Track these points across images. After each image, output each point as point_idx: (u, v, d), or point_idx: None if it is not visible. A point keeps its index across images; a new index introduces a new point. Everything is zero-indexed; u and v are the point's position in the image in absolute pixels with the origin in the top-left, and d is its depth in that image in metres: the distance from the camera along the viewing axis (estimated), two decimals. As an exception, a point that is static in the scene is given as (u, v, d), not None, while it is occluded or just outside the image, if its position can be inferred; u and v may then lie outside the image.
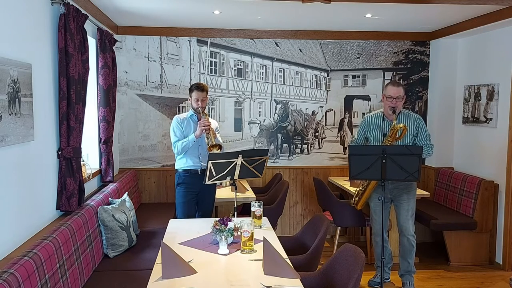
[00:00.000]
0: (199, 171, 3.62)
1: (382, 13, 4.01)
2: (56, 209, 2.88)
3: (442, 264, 4.30)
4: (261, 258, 2.35)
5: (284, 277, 2.16)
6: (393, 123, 3.34)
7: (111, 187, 3.80)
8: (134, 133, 4.82)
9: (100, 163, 4.00)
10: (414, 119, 3.50)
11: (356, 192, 3.69)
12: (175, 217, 3.76)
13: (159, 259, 2.34)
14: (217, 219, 2.75)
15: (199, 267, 2.29)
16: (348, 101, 5.10)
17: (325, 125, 5.10)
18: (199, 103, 3.55)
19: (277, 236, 2.81)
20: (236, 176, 3.09)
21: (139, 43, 4.75)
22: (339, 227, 4.34)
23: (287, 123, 5.05)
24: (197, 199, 3.70)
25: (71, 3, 2.92)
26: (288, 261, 2.34)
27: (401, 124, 3.34)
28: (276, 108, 5.02)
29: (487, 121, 4.33)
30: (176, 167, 3.73)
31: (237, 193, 3.30)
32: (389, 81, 4.89)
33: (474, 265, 4.26)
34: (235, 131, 4.98)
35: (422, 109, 5.13)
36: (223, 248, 2.51)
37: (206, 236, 2.79)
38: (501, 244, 4.18)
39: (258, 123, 5.01)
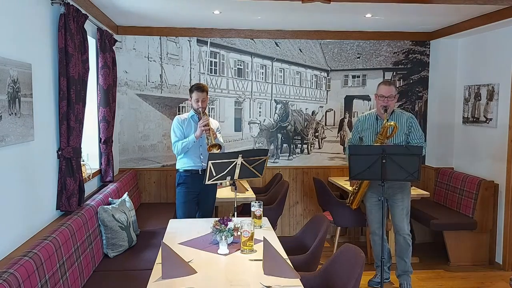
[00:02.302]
0: (200, 171, 3.62)
1: (382, 13, 4.01)
2: (56, 209, 2.89)
3: (442, 264, 4.30)
4: (261, 258, 2.35)
5: (284, 277, 2.16)
6: (384, 121, 3.36)
7: (111, 187, 3.80)
8: (134, 133, 4.82)
9: (100, 163, 4.00)
10: (407, 118, 3.51)
11: (351, 192, 3.71)
12: (175, 217, 3.76)
13: (159, 259, 2.34)
14: (217, 219, 2.75)
15: (199, 267, 2.29)
16: (348, 101, 5.10)
17: (325, 125, 5.10)
18: (199, 103, 3.55)
19: (277, 236, 2.81)
20: (236, 176, 3.09)
21: (139, 43, 4.75)
22: (339, 227, 4.35)
23: (287, 123, 5.05)
24: (198, 199, 3.70)
25: (71, 3, 2.92)
26: (288, 261, 2.34)
27: (392, 122, 3.36)
28: (276, 108, 5.02)
29: (487, 121, 4.33)
30: (177, 167, 3.73)
31: (237, 193, 3.30)
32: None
33: (474, 265, 4.26)
34: (235, 131, 4.98)
35: (422, 109, 5.13)
36: (223, 248, 2.51)
37: (206, 236, 2.79)
38: (501, 244, 4.18)
39: (258, 123, 5.01)
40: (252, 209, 3.01)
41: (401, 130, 3.47)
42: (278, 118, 5.03)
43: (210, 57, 4.86)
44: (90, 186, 3.62)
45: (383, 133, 3.35)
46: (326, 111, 5.10)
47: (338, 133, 5.12)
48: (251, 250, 2.52)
